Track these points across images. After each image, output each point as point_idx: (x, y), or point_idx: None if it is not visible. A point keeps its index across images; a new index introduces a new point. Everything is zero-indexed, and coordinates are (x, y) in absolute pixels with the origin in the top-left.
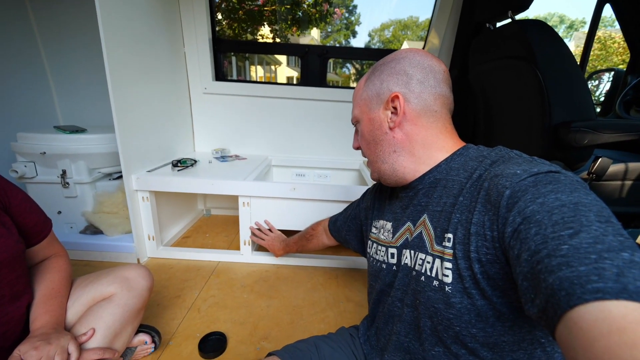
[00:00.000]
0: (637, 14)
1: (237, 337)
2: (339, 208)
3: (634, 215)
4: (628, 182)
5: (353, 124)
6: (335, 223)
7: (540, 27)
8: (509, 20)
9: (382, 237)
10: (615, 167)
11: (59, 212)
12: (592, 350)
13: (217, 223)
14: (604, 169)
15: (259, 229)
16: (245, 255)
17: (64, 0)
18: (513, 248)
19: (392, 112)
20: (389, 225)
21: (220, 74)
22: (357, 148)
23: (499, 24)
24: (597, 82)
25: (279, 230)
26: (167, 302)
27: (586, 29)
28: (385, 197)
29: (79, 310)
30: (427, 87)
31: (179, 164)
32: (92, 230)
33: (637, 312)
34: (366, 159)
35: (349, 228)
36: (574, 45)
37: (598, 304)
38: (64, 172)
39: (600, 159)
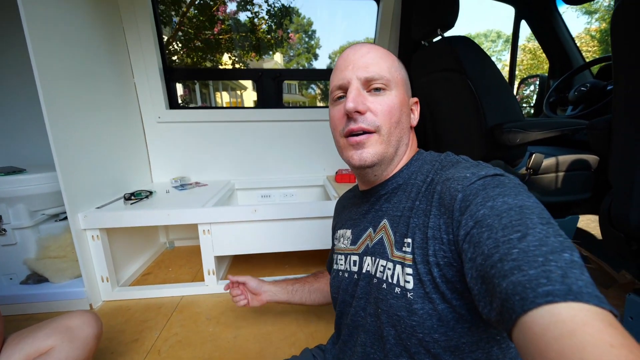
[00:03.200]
0: (547, 28)
1: None
2: (304, 226)
3: (571, 203)
4: (561, 174)
5: (368, 81)
6: (329, 263)
7: (465, 42)
8: (439, 37)
9: (342, 245)
10: (548, 161)
11: None
12: (547, 355)
13: (180, 255)
14: (539, 164)
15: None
16: (210, 285)
17: None
18: (466, 251)
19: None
20: (348, 232)
21: (175, 103)
22: (360, 112)
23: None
24: (531, 87)
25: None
26: (122, 347)
27: (521, 42)
28: (343, 208)
29: None
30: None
31: (132, 197)
32: (36, 279)
33: (583, 312)
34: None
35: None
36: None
37: (549, 307)
38: (0, 217)
39: (534, 155)
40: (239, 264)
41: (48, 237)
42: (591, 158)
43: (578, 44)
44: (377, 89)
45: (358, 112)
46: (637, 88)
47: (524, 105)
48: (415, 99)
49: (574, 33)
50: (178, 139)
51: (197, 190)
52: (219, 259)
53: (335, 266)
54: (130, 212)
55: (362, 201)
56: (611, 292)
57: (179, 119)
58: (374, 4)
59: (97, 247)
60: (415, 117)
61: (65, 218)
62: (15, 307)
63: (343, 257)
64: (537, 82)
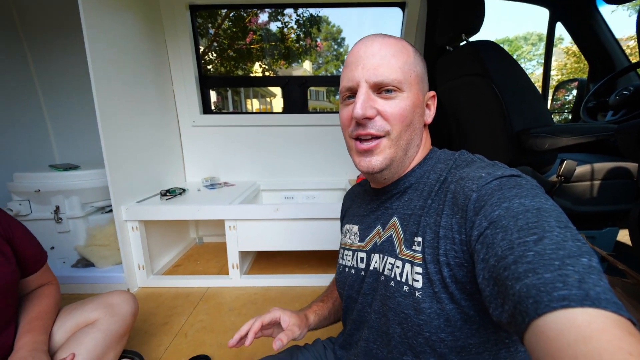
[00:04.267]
0: (585, 28)
1: (223, 359)
2: (324, 226)
3: (608, 214)
4: (597, 182)
5: (378, 85)
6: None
7: (490, 46)
8: (464, 42)
9: (348, 240)
10: (582, 169)
11: (52, 248)
12: None
13: (208, 250)
14: (571, 171)
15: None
16: (234, 279)
17: (60, 48)
18: (479, 252)
19: (426, 107)
20: (355, 228)
21: (208, 108)
22: (368, 117)
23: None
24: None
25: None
26: (154, 329)
27: (565, 44)
28: (352, 201)
29: (63, 337)
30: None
31: (167, 193)
32: (84, 263)
33: (600, 319)
34: (368, 142)
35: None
36: (554, 59)
37: (564, 312)
38: (57, 208)
39: (565, 162)
40: (262, 260)
41: (95, 227)
42: (632, 166)
43: (634, 44)
44: (389, 91)
45: (367, 118)
46: None
47: (565, 112)
48: (432, 93)
49: (627, 34)
50: (210, 141)
51: (226, 189)
52: (243, 255)
53: (341, 261)
54: (165, 207)
55: (372, 198)
56: None
57: (212, 123)
58: (399, 11)
59: (136, 238)
60: (430, 114)
61: (110, 210)
62: (66, 287)
63: (350, 252)
64: (576, 87)
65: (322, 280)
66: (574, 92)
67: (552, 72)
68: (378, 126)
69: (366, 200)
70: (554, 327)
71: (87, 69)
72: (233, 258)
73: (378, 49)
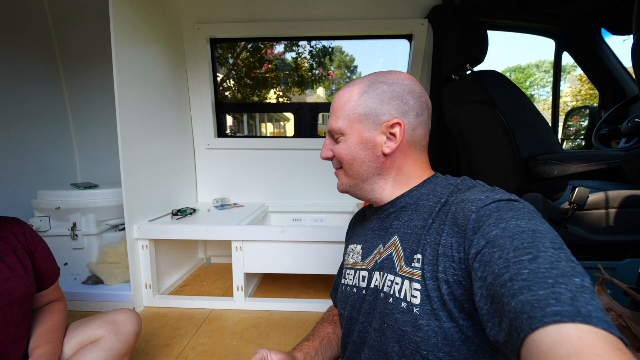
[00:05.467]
0: (591, 58)
1: None
2: (330, 249)
3: (629, 244)
4: (612, 210)
5: (331, 133)
6: (334, 290)
7: (493, 75)
8: (469, 71)
9: (351, 259)
10: (595, 196)
11: (66, 264)
12: None
13: (215, 271)
14: (583, 198)
15: None
16: (239, 301)
17: (91, 76)
18: (477, 270)
19: (387, 138)
20: (358, 247)
21: (222, 132)
22: (328, 158)
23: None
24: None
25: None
26: (155, 350)
27: (579, 71)
28: (355, 222)
29: (68, 354)
30: (421, 122)
31: (178, 213)
32: (94, 280)
33: (591, 334)
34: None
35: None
36: (567, 86)
37: (557, 326)
38: (74, 224)
39: (577, 189)
40: (267, 284)
41: (108, 244)
42: None
43: None
44: (337, 136)
45: (327, 158)
46: None
47: (578, 139)
48: (393, 122)
49: None
50: (222, 163)
51: (235, 210)
52: (249, 277)
53: (343, 280)
54: (175, 226)
55: (372, 217)
56: None
57: (225, 146)
58: (407, 42)
59: (145, 256)
60: (394, 142)
61: (123, 229)
62: (75, 304)
63: (352, 271)
64: (587, 114)
65: (327, 306)
66: (587, 119)
67: (567, 99)
68: (335, 162)
69: (368, 220)
70: (547, 341)
71: (111, 91)
72: (238, 280)
73: (336, 99)
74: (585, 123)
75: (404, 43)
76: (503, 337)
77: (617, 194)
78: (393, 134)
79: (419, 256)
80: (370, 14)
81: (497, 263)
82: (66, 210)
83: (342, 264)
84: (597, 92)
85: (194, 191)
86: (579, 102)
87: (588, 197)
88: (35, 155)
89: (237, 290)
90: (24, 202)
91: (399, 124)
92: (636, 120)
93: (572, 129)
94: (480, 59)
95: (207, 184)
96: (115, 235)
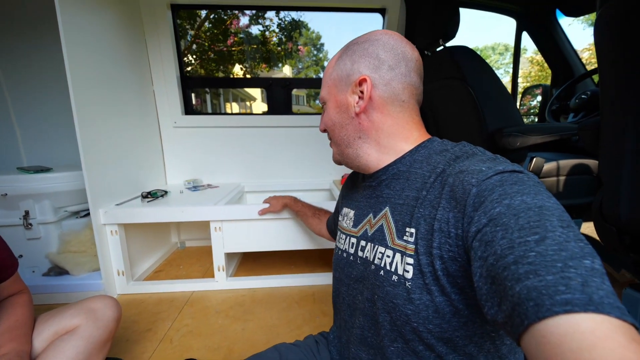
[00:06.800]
0: (548, 38)
1: None
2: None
3: (573, 207)
4: (562, 178)
5: (321, 104)
6: (330, 218)
7: (465, 51)
8: (442, 47)
9: (344, 224)
10: (548, 166)
11: (20, 256)
12: None
13: (191, 255)
14: (540, 167)
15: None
16: (220, 281)
17: (29, 44)
18: (477, 249)
19: (359, 97)
20: (351, 213)
21: (190, 109)
22: (324, 130)
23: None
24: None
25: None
26: (136, 336)
27: (529, 54)
28: (352, 185)
29: (41, 347)
30: (397, 75)
31: (149, 195)
32: (57, 271)
33: (604, 325)
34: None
35: (335, 222)
36: (520, 68)
37: (567, 317)
38: (27, 212)
39: (535, 159)
40: (247, 262)
41: (69, 233)
42: (592, 162)
43: (588, 55)
44: (323, 107)
45: (323, 131)
46: (619, 87)
47: (531, 115)
48: (358, 79)
49: (584, 45)
50: (192, 143)
51: (209, 191)
52: (229, 256)
53: (337, 243)
54: (147, 209)
55: (366, 183)
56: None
57: (194, 124)
58: (379, 16)
59: (115, 242)
60: (363, 100)
61: (85, 215)
62: (37, 297)
63: (344, 236)
64: (541, 92)
65: (308, 279)
66: (539, 97)
67: (519, 80)
68: (328, 133)
69: (362, 187)
70: (557, 332)
71: (58, 67)
72: (219, 260)
73: (323, 73)
74: (535, 102)
75: (377, 17)
76: (502, 317)
77: (567, 163)
78: (362, 92)
79: (412, 230)
80: None
81: (500, 243)
82: (15, 197)
83: (337, 203)
84: (544, 74)
85: (162, 173)
86: (529, 83)
87: (543, 166)
88: None
89: (219, 270)
90: None
91: (364, 79)
92: (582, 97)
93: (525, 107)
94: (453, 35)
95: (176, 164)
96: (77, 223)
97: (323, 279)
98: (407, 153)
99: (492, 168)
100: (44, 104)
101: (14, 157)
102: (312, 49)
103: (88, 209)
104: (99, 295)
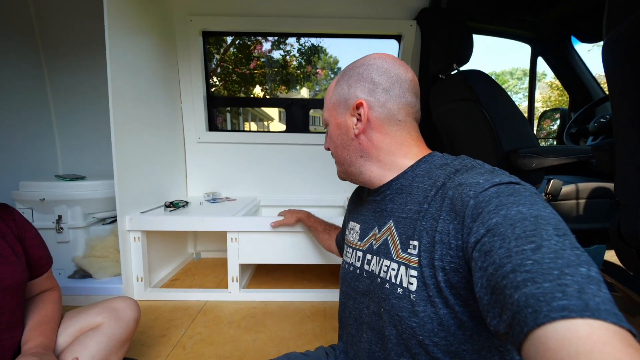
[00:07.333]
0: (563, 63)
1: None
2: None
3: (594, 232)
4: (582, 201)
5: (323, 125)
6: (339, 234)
7: (478, 75)
8: (455, 71)
9: (351, 238)
10: (567, 188)
11: None
12: None
13: (206, 265)
14: (557, 190)
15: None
16: (234, 292)
17: (76, 63)
18: (476, 260)
19: (357, 119)
20: (357, 226)
21: (214, 125)
22: (328, 149)
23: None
24: (557, 121)
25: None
26: (151, 341)
27: (548, 79)
28: (358, 199)
29: (66, 341)
30: (392, 96)
31: (171, 205)
32: (81, 274)
33: (601, 330)
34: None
35: (343, 238)
36: (538, 92)
37: (564, 322)
38: (60, 217)
39: (552, 181)
40: (260, 275)
41: (95, 238)
42: (612, 186)
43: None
44: (326, 129)
45: (327, 149)
46: (633, 110)
47: (550, 139)
48: (355, 103)
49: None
50: (213, 157)
51: (227, 204)
52: (243, 268)
53: (344, 257)
54: (169, 218)
55: (371, 198)
56: (638, 320)
57: (217, 140)
58: (396, 43)
59: (137, 248)
60: (361, 122)
61: (111, 222)
62: (62, 298)
63: (351, 250)
64: (559, 116)
65: (320, 295)
66: (558, 122)
67: (538, 104)
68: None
69: (368, 201)
70: (554, 338)
71: (99, 84)
72: (233, 271)
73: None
74: (555, 127)
75: (393, 44)
76: (504, 328)
77: (586, 186)
78: (360, 115)
79: (416, 243)
80: (360, 14)
81: (498, 253)
82: (51, 202)
83: (344, 218)
84: (565, 98)
85: (184, 185)
86: (549, 107)
87: (561, 188)
88: (16, 147)
89: (232, 281)
90: (3, 194)
91: (361, 103)
92: (601, 120)
93: (543, 131)
94: (466, 59)
95: (197, 177)
96: (103, 229)
97: (335, 295)
98: (408, 168)
99: (489, 180)
100: (83, 119)
101: (51, 165)
102: (330, 72)
103: (114, 216)
104: (120, 296)
